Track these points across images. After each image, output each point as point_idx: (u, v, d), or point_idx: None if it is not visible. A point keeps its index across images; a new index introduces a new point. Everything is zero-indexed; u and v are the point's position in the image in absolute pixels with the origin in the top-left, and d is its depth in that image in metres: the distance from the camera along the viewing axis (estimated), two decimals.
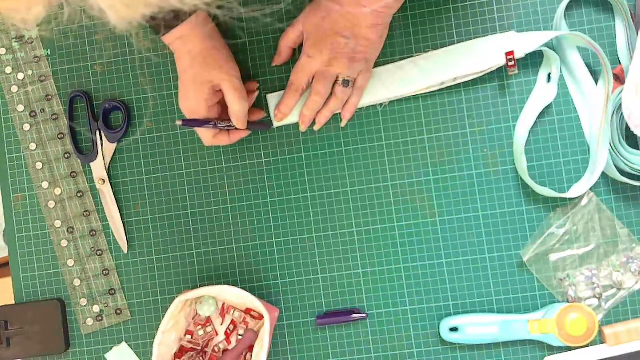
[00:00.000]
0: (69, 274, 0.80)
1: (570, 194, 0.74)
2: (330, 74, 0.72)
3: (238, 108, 0.71)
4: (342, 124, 0.77)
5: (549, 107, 0.76)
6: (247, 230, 0.79)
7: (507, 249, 0.76)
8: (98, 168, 0.80)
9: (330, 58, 0.71)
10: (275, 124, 0.77)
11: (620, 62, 0.75)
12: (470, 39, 0.77)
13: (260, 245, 0.79)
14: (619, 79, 0.75)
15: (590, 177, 0.73)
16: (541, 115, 0.76)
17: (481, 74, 0.74)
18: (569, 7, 0.76)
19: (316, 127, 0.76)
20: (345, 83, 0.72)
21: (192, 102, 0.71)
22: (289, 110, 0.76)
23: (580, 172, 0.76)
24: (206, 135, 0.73)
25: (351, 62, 0.71)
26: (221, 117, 0.74)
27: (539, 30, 0.76)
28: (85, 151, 0.81)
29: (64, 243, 0.80)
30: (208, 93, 0.71)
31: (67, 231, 0.80)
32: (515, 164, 0.75)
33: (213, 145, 0.76)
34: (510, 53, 0.73)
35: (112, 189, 0.80)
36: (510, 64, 0.73)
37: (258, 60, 0.79)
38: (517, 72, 0.74)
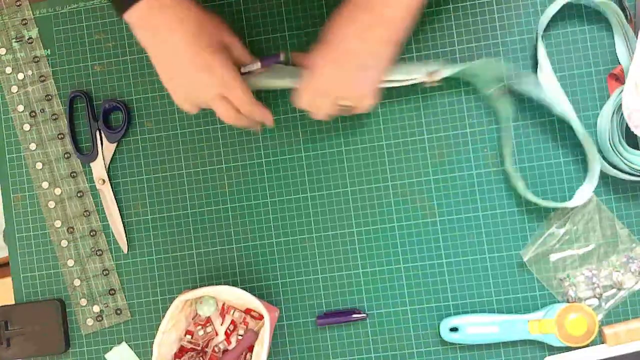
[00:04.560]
0: (69, 274, 0.80)
1: (575, 201, 0.73)
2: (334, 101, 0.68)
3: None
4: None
5: (539, 111, 0.76)
6: (247, 230, 0.79)
7: (507, 249, 0.76)
8: (98, 168, 0.80)
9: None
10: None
11: (620, 62, 0.75)
12: (470, 39, 0.77)
13: (260, 245, 0.79)
14: (619, 79, 0.75)
15: (591, 179, 0.73)
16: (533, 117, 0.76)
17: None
18: (568, 8, 0.76)
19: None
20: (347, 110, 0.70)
21: (223, 70, 0.65)
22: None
23: (580, 172, 0.76)
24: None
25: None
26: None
27: (532, 31, 0.76)
28: (85, 151, 0.81)
29: (64, 243, 0.80)
30: (226, 57, 0.66)
31: (67, 231, 0.80)
32: (512, 182, 0.75)
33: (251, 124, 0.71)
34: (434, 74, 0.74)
35: (112, 189, 0.80)
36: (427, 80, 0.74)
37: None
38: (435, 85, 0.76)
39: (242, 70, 0.70)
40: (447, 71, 0.74)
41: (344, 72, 0.65)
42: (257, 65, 0.71)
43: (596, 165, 0.73)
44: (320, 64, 0.66)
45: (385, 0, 0.62)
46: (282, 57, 0.71)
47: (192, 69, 0.65)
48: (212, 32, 0.66)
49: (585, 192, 0.74)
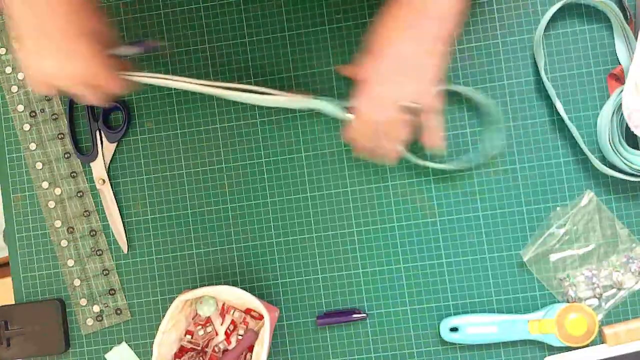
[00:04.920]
0: (69, 274, 0.80)
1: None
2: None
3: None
4: (431, 148, 0.73)
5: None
6: (247, 230, 0.79)
7: (507, 249, 0.76)
8: (98, 168, 0.80)
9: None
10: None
11: (620, 62, 0.75)
12: (470, 39, 0.77)
13: (260, 245, 0.79)
14: (619, 79, 0.75)
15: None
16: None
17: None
18: (568, 8, 0.76)
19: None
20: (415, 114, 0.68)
21: (87, 60, 0.61)
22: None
23: (580, 172, 0.76)
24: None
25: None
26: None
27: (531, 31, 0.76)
28: (85, 151, 0.81)
29: (64, 243, 0.80)
30: (101, 47, 0.63)
31: (67, 231, 0.80)
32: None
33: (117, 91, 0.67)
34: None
35: (112, 189, 0.80)
36: None
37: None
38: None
39: (122, 50, 0.68)
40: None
41: (400, 76, 0.64)
42: (139, 48, 0.69)
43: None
44: (375, 72, 0.65)
45: None
46: (159, 44, 0.69)
47: (60, 54, 0.61)
48: (84, 17, 0.61)
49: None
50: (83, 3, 0.62)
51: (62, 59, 0.60)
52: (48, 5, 0.59)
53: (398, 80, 0.64)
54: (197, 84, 0.70)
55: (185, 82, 0.70)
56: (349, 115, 0.69)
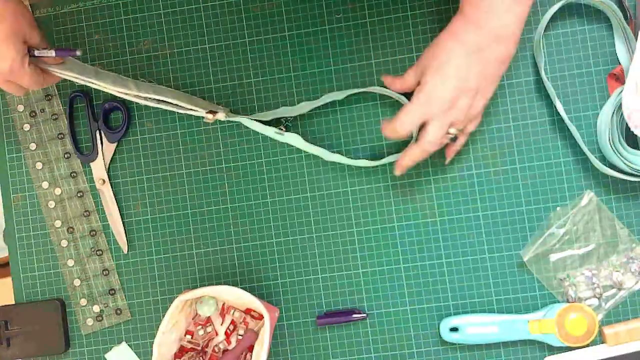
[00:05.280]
0: (69, 274, 0.80)
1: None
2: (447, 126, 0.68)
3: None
4: (447, 162, 0.75)
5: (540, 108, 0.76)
6: (247, 230, 0.79)
7: (507, 249, 0.76)
8: (98, 168, 0.80)
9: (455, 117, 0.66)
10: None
11: (620, 62, 0.75)
12: None
13: (260, 245, 0.79)
14: (619, 79, 0.75)
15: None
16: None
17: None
18: (568, 8, 0.76)
19: (398, 171, 0.72)
20: (454, 139, 0.70)
21: (9, 61, 0.67)
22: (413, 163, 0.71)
23: (581, 172, 0.76)
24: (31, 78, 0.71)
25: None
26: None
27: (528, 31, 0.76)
28: (85, 151, 0.81)
29: (64, 243, 0.80)
30: (26, 50, 0.69)
31: (67, 231, 0.80)
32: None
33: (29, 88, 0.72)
34: (213, 113, 0.74)
35: (112, 189, 0.80)
36: (208, 116, 0.74)
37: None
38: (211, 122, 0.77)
39: (36, 53, 0.71)
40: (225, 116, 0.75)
41: (456, 95, 0.65)
42: (52, 53, 0.71)
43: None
44: (429, 87, 0.65)
45: (496, 16, 0.61)
46: (78, 53, 0.72)
47: None
48: (10, 19, 0.67)
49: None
50: (12, 8, 0.67)
51: (11, 57, 0.67)
52: None
53: (457, 103, 0.65)
54: (115, 90, 0.73)
55: (106, 87, 0.73)
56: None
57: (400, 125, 0.67)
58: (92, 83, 0.73)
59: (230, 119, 0.75)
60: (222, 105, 0.79)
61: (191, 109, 0.74)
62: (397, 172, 0.72)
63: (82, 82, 0.73)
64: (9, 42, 0.67)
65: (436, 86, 0.65)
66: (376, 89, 0.76)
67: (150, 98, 0.73)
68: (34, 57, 0.71)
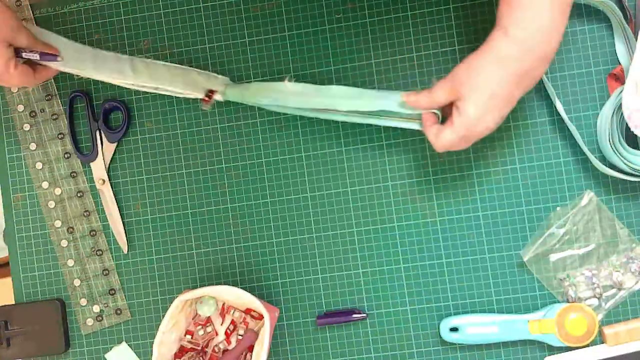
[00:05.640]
0: (69, 274, 0.80)
1: None
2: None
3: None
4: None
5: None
6: (247, 230, 0.79)
7: (507, 249, 0.76)
8: (98, 168, 0.80)
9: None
10: None
11: (620, 62, 0.75)
12: (471, 39, 0.77)
13: (260, 245, 0.79)
14: (619, 79, 0.75)
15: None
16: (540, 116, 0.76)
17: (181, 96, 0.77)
18: None
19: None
20: None
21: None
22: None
23: (580, 172, 0.76)
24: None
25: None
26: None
27: None
28: (85, 151, 0.81)
29: (64, 243, 0.80)
30: (11, 53, 0.70)
31: (67, 231, 0.80)
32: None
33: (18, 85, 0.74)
34: (212, 92, 0.76)
35: (112, 189, 0.80)
36: (205, 98, 0.76)
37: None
38: (207, 108, 0.78)
39: (23, 55, 0.72)
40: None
41: (494, 115, 0.62)
42: (36, 56, 0.73)
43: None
44: (472, 120, 0.63)
45: (544, 37, 0.58)
46: (59, 59, 0.74)
47: None
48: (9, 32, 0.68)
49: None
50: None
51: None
52: None
53: (490, 119, 0.63)
54: (111, 78, 0.76)
55: (102, 77, 0.76)
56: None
57: (440, 150, 0.66)
58: (89, 75, 0.75)
59: (228, 97, 0.76)
60: (219, 74, 0.79)
61: (189, 93, 0.76)
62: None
63: (79, 75, 0.75)
64: None
65: (480, 120, 0.62)
66: (389, 122, 0.73)
67: (146, 86, 0.75)
68: (22, 58, 0.72)
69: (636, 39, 0.73)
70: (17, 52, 0.71)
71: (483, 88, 0.61)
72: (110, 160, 0.80)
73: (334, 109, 0.72)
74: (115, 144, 0.80)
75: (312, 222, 0.78)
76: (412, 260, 0.77)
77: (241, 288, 0.73)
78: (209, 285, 0.79)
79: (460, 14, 0.77)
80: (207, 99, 0.76)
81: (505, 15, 0.59)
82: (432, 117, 0.68)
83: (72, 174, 0.81)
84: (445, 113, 0.68)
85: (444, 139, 0.65)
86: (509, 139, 0.76)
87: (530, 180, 0.76)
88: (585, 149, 0.74)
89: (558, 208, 0.76)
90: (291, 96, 0.73)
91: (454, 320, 0.75)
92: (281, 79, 0.79)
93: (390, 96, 0.70)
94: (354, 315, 0.76)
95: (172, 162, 0.80)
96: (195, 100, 0.80)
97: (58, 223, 0.81)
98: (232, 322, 0.76)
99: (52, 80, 0.81)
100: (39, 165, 0.81)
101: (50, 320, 0.79)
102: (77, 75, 0.81)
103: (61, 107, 0.81)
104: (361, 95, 0.71)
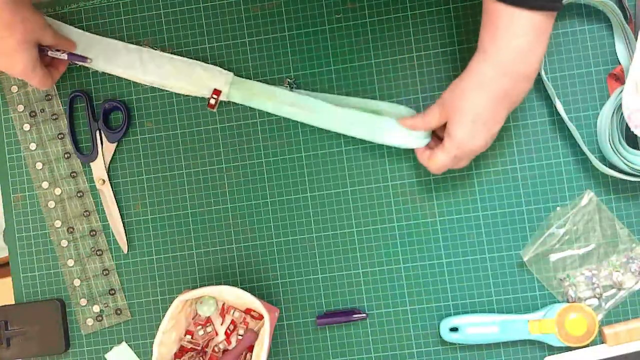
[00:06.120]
0: (69, 274, 0.80)
1: None
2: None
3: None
4: None
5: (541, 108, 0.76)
6: (247, 230, 0.79)
7: (507, 249, 0.76)
8: (98, 168, 0.80)
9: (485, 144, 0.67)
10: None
11: (620, 62, 0.75)
12: (471, 39, 0.77)
13: (260, 245, 0.79)
14: (619, 79, 0.75)
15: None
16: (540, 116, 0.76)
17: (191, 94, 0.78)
18: (568, 8, 0.76)
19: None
20: None
21: (20, 66, 0.70)
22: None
23: (580, 172, 0.76)
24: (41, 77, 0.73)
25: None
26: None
27: None
28: (85, 151, 0.81)
29: (64, 243, 0.80)
30: (36, 53, 0.70)
31: (67, 231, 0.80)
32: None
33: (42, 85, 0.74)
34: (217, 92, 0.77)
35: (112, 189, 0.80)
36: (211, 101, 0.77)
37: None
38: (214, 110, 0.78)
39: (49, 54, 0.74)
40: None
41: (483, 135, 0.66)
42: (64, 56, 0.75)
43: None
44: (460, 141, 0.66)
45: (523, 59, 0.61)
46: (88, 61, 0.77)
47: (4, 57, 0.69)
48: (20, 28, 0.68)
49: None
50: (21, 15, 0.68)
51: (7, 61, 0.69)
52: None
53: (476, 136, 0.66)
54: (122, 72, 0.79)
55: (112, 70, 0.79)
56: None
57: (435, 172, 0.70)
58: (98, 68, 0.78)
59: (233, 99, 0.77)
60: (224, 69, 0.79)
61: (195, 92, 0.77)
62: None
63: (94, 68, 0.78)
64: (20, 50, 0.68)
65: (467, 140, 0.66)
66: (386, 140, 0.74)
67: (154, 82, 0.78)
68: (45, 54, 0.74)
69: (636, 39, 0.73)
70: (42, 50, 0.72)
71: (467, 111, 0.65)
72: (110, 160, 0.80)
73: (331, 128, 0.76)
74: (115, 144, 0.80)
75: (312, 222, 0.78)
76: (412, 260, 0.77)
77: (241, 288, 0.73)
78: (209, 285, 0.79)
79: (460, 14, 0.77)
80: (212, 103, 0.76)
81: (485, 40, 0.63)
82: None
83: (72, 174, 0.81)
84: (441, 133, 0.71)
85: (437, 160, 0.69)
86: (509, 139, 0.76)
87: (530, 180, 0.76)
88: (585, 149, 0.74)
89: (558, 208, 0.76)
90: (288, 107, 0.76)
91: (454, 320, 0.75)
92: (281, 79, 0.79)
93: (384, 122, 0.73)
94: (354, 315, 0.76)
95: (172, 162, 0.80)
96: (195, 100, 0.80)
97: (58, 223, 0.81)
98: (232, 322, 0.76)
99: None
100: (39, 165, 0.81)
101: (50, 320, 0.79)
102: (80, 72, 0.81)
103: (61, 107, 0.81)
104: (355, 120, 0.74)
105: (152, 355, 0.79)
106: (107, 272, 0.80)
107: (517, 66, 0.62)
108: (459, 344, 0.76)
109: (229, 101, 0.78)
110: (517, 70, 0.62)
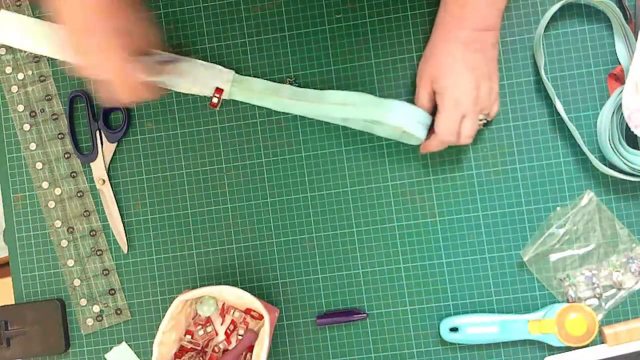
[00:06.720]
0: (69, 274, 0.80)
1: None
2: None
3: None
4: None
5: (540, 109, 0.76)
6: (247, 230, 0.79)
7: (507, 249, 0.76)
8: (98, 168, 0.80)
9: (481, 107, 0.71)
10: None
11: (620, 62, 0.75)
12: None
13: (260, 245, 0.79)
14: (619, 79, 0.75)
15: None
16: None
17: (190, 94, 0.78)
18: (568, 8, 0.76)
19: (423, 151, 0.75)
20: (487, 123, 0.76)
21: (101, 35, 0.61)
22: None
23: (580, 172, 0.76)
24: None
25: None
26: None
27: (530, 30, 0.76)
28: (85, 151, 0.81)
29: (64, 243, 0.80)
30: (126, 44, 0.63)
31: (67, 231, 0.80)
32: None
33: (137, 99, 0.65)
34: (219, 91, 0.77)
35: (112, 189, 0.80)
36: (214, 100, 0.77)
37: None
38: (217, 109, 0.79)
39: (147, 59, 0.73)
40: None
41: (476, 84, 0.69)
42: (164, 59, 0.75)
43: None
44: (451, 90, 0.69)
45: (480, 12, 0.67)
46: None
47: (100, 54, 0.62)
48: (119, 16, 0.62)
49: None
50: (125, 8, 0.62)
51: (101, 59, 0.61)
52: (92, 6, 0.60)
53: (480, 91, 0.69)
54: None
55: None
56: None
57: (443, 136, 0.70)
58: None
59: (235, 97, 0.77)
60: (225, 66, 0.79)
61: (197, 91, 0.77)
62: (422, 151, 0.75)
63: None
64: (115, 38, 0.61)
65: (457, 85, 0.68)
66: (385, 118, 0.72)
67: (157, 82, 0.77)
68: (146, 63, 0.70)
69: (636, 39, 0.73)
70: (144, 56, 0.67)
71: (444, 62, 0.69)
72: (110, 160, 0.80)
73: (331, 117, 0.76)
74: (115, 144, 0.80)
75: (312, 222, 0.78)
76: (412, 260, 0.77)
77: (241, 288, 0.73)
78: (209, 285, 0.79)
79: None
80: (215, 102, 0.76)
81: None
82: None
83: (72, 174, 0.81)
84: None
85: (441, 126, 0.70)
86: (509, 139, 0.77)
87: (530, 180, 0.76)
88: (585, 149, 0.74)
89: (558, 208, 0.76)
90: (288, 100, 0.76)
91: (454, 320, 0.75)
92: (281, 79, 0.79)
93: (385, 102, 0.72)
94: (354, 315, 0.76)
95: (172, 162, 0.80)
96: (195, 100, 0.80)
97: (58, 223, 0.81)
98: (232, 322, 0.76)
99: (52, 80, 0.81)
100: (39, 165, 0.81)
101: (50, 320, 0.79)
102: (77, 75, 0.81)
103: (61, 107, 0.81)
104: (357, 101, 0.73)
105: (152, 355, 0.79)
106: (107, 272, 0.80)
107: (476, 18, 0.68)
108: (459, 344, 0.76)
109: (229, 101, 0.78)
110: (477, 22, 0.68)
